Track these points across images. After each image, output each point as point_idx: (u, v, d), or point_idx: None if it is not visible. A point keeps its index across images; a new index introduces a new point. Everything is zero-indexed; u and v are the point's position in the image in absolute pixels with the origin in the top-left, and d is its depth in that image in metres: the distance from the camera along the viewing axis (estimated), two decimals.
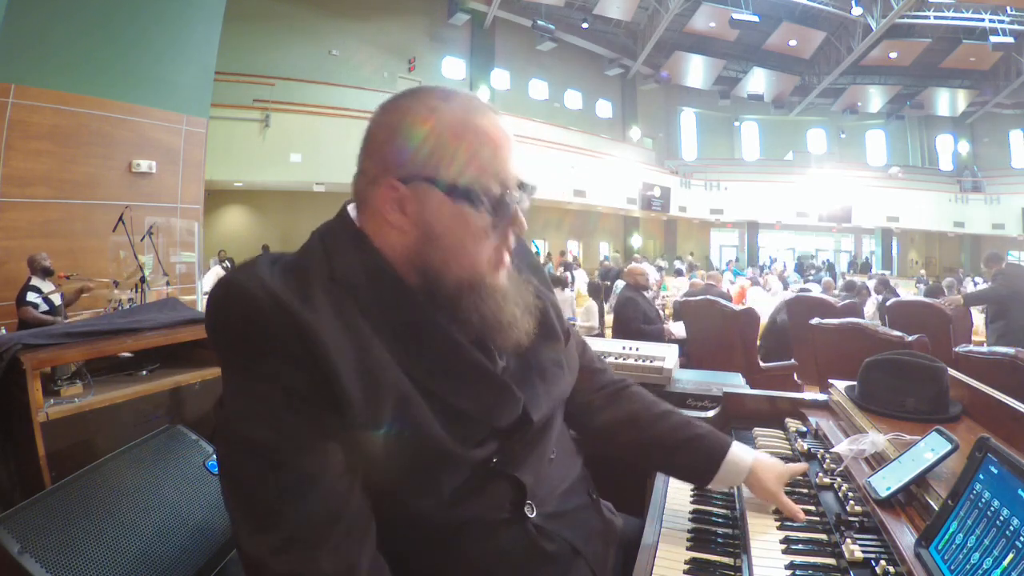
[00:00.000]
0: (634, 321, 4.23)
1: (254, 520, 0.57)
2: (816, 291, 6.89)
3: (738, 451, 0.89)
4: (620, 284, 6.82)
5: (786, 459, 1.06)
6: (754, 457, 0.90)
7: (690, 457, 0.89)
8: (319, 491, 0.57)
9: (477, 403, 0.67)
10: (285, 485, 0.57)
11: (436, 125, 0.64)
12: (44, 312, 4.01)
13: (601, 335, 6.21)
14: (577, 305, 6.80)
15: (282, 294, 0.57)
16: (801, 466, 0.95)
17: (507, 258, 0.71)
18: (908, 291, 10.24)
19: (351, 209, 0.71)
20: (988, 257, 4.52)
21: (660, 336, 4.26)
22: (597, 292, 7.47)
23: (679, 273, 10.07)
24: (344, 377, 0.57)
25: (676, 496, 1.00)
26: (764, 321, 4.66)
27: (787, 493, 0.93)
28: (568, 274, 9.59)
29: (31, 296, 4.00)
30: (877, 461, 0.90)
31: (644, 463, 0.92)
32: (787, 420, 1.24)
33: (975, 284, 9.96)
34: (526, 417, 0.71)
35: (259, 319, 0.56)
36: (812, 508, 0.88)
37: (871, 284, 7.21)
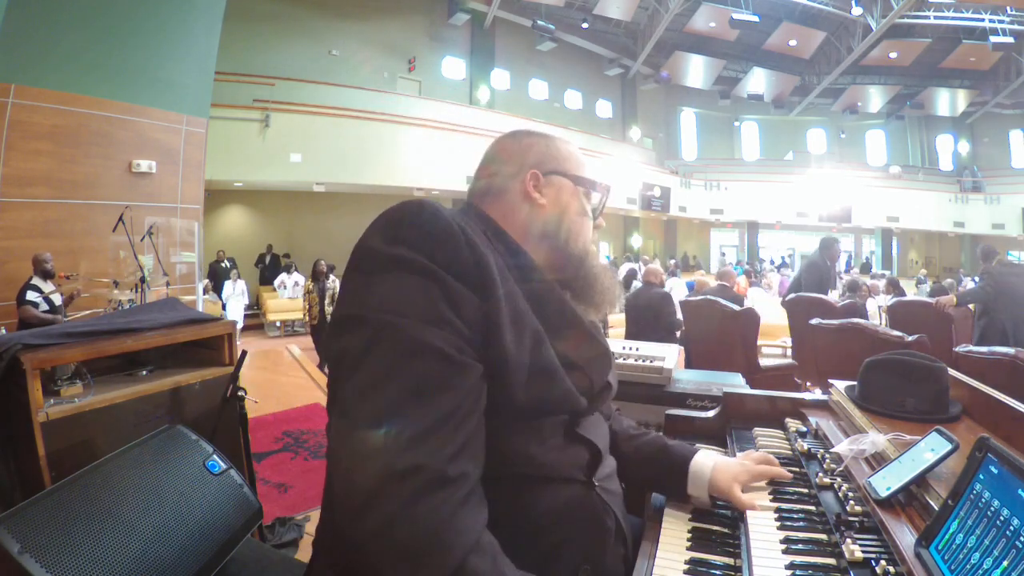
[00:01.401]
0: (672, 315, 4.44)
1: (388, 411, 0.59)
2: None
3: (700, 458, 0.95)
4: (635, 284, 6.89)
5: (786, 459, 1.06)
6: (714, 461, 0.95)
7: (658, 469, 0.97)
8: (455, 402, 0.61)
9: (585, 357, 0.79)
10: (430, 384, 0.60)
11: (557, 143, 0.92)
12: (44, 311, 4.02)
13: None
14: None
15: (467, 229, 0.68)
16: (768, 469, 0.96)
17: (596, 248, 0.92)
18: (908, 291, 10.25)
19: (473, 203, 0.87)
20: (982, 251, 4.47)
21: (682, 326, 4.53)
22: None
23: (672, 274, 10.24)
24: (503, 305, 0.67)
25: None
26: (763, 321, 4.65)
27: (787, 494, 0.93)
28: None
29: (31, 295, 4.01)
30: (877, 461, 0.90)
31: (624, 480, 0.97)
32: (787, 420, 1.24)
33: (974, 283, 9.96)
34: (609, 384, 0.86)
35: (453, 242, 0.66)
36: (812, 508, 0.89)
37: (880, 284, 7.24)
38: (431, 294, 0.63)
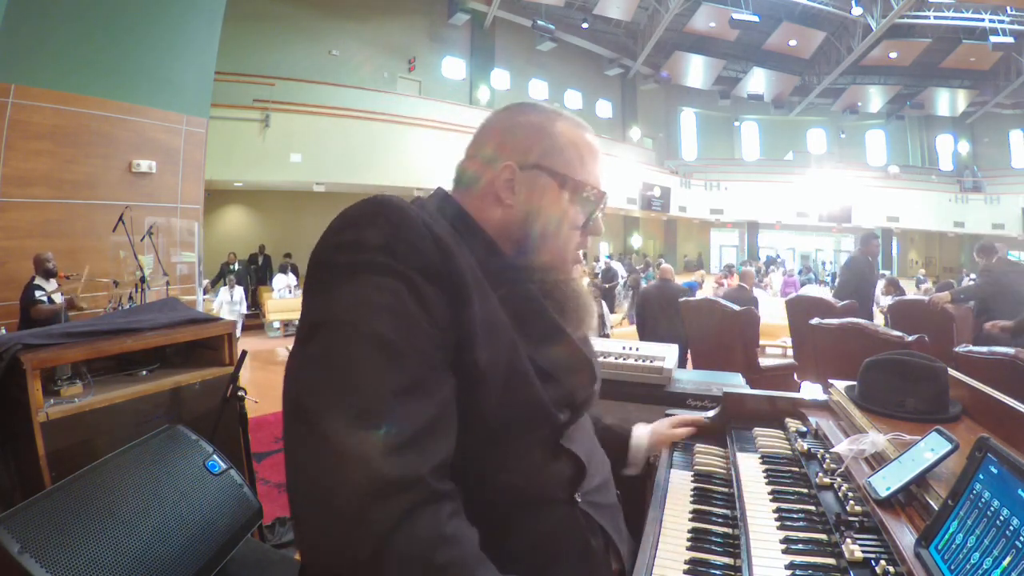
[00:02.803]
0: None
1: (363, 413, 0.52)
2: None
3: (638, 430, 1.11)
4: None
5: (786, 459, 1.06)
6: (650, 428, 1.13)
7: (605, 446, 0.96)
8: (432, 406, 0.55)
9: (563, 368, 0.71)
10: (405, 385, 0.54)
11: (558, 127, 0.76)
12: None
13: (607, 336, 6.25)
14: None
15: (434, 225, 0.61)
16: (685, 417, 1.21)
17: (582, 259, 0.81)
18: (908, 291, 10.25)
19: (447, 191, 0.78)
20: (981, 247, 4.38)
21: None
22: (598, 293, 7.47)
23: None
24: (475, 309, 0.60)
25: (676, 496, 1.00)
26: (763, 321, 4.67)
27: (788, 494, 0.93)
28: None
29: (37, 294, 4.02)
30: (877, 461, 0.90)
31: None
32: (787, 420, 1.24)
33: (972, 281, 9.95)
34: (593, 394, 0.79)
35: (412, 231, 0.59)
36: (812, 508, 0.89)
37: (880, 284, 7.23)
38: (399, 294, 0.56)
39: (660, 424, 1.17)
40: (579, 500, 0.74)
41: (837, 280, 6.06)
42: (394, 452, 0.51)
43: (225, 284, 8.48)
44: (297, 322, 0.80)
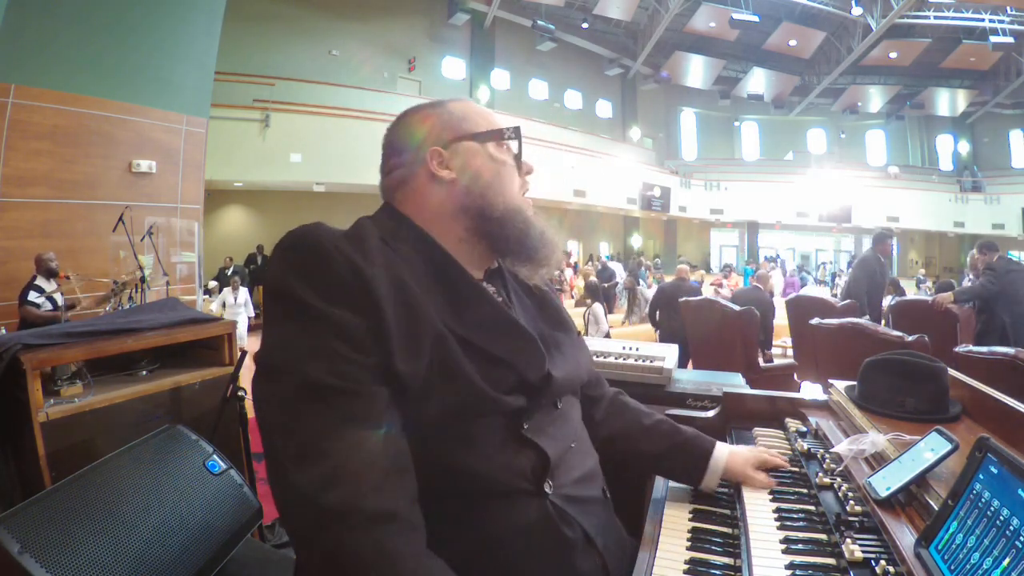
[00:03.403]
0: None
1: (302, 453, 0.59)
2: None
3: (718, 450, 0.98)
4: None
5: (786, 459, 1.06)
6: (728, 451, 0.99)
7: (679, 461, 0.99)
8: (367, 432, 0.61)
9: (508, 350, 0.74)
10: (336, 421, 0.60)
11: (448, 107, 0.84)
12: (48, 311, 4.02)
13: (608, 336, 6.26)
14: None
15: (347, 249, 0.66)
16: (770, 458, 1.01)
17: (528, 194, 0.87)
18: (908, 291, 10.25)
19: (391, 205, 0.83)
20: (982, 244, 4.33)
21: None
22: (595, 293, 7.46)
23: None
24: (390, 321, 0.64)
25: (676, 496, 1.00)
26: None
27: (787, 494, 0.93)
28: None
29: (32, 295, 4.01)
30: (877, 461, 0.90)
31: (639, 470, 1.00)
32: (787, 420, 1.24)
33: (972, 281, 9.94)
34: (549, 375, 0.77)
35: (330, 267, 0.64)
36: (812, 508, 0.89)
37: None
38: (319, 336, 0.62)
39: (742, 454, 1.00)
40: (549, 492, 0.74)
41: (848, 279, 6.03)
42: (326, 486, 0.58)
43: (228, 286, 8.01)
44: None
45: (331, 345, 0.62)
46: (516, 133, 0.84)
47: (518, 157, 0.85)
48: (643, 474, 1.01)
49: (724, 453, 0.98)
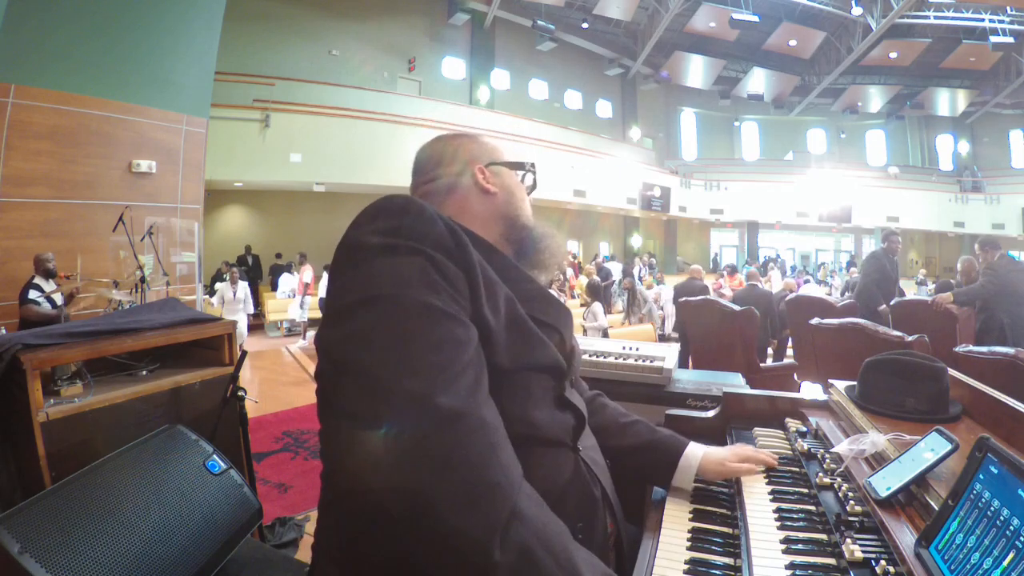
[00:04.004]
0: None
1: (415, 366, 0.60)
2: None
3: (691, 450, 1.04)
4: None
5: (786, 459, 1.06)
6: (704, 451, 1.04)
7: (650, 459, 1.04)
8: (471, 355, 0.65)
9: (555, 318, 0.85)
10: (445, 339, 0.63)
11: (480, 140, 1.01)
12: (47, 311, 4.02)
13: (606, 335, 6.25)
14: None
15: (443, 215, 0.74)
16: (753, 453, 1.05)
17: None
18: (908, 291, 10.27)
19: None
20: (984, 242, 4.28)
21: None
22: (596, 292, 7.46)
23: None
24: (478, 276, 0.71)
25: (676, 496, 1.00)
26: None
27: (788, 494, 0.93)
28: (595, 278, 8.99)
29: (32, 294, 4.01)
30: (877, 461, 0.90)
31: (614, 466, 1.01)
32: (787, 420, 1.24)
33: (959, 286, 9.91)
34: (575, 348, 0.91)
35: (431, 220, 0.71)
36: (812, 508, 0.89)
37: None
38: (424, 269, 0.67)
39: (719, 452, 1.04)
40: (581, 450, 0.85)
41: (859, 275, 6.00)
42: (444, 391, 0.60)
43: (226, 279, 7.73)
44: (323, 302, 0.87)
45: (435, 278, 0.66)
46: (533, 167, 1.04)
47: (530, 187, 1.03)
48: (617, 473, 1.03)
49: (698, 452, 1.03)
